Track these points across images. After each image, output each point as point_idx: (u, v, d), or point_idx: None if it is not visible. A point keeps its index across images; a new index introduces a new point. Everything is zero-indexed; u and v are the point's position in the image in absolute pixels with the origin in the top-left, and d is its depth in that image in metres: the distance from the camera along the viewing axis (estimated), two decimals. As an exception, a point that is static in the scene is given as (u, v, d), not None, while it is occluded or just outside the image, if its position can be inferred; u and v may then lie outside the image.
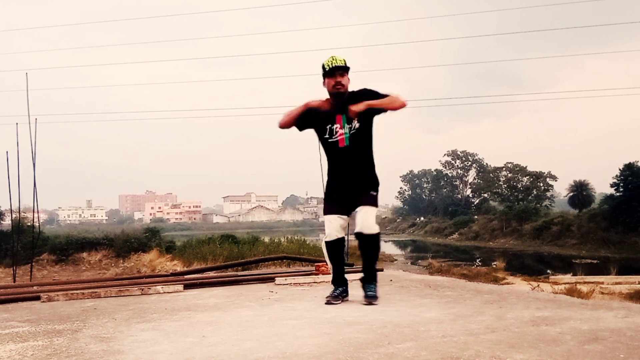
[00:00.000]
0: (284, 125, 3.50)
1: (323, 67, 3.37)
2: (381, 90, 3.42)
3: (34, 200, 7.59)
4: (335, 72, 3.33)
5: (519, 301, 3.32)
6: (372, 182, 3.47)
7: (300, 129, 3.54)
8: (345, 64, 3.35)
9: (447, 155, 64.22)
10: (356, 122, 3.37)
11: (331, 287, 3.55)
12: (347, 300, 3.49)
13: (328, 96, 3.45)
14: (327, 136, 3.43)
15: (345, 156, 3.41)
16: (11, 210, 8.07)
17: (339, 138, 3.40)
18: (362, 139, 3.43)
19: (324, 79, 3.40)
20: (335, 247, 3.48)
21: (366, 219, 3.33)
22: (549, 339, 2.26)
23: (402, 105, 3.40)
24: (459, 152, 63.51)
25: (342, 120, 3.39)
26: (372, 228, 3.33)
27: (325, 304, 3.37)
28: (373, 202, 3.41)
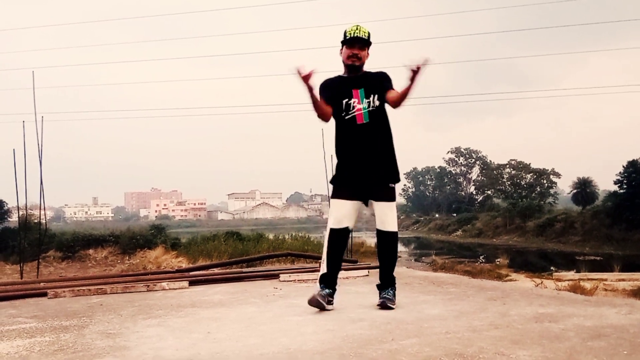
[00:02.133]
0: (324, 117, 3.13)
1: (345, 34, 3.09)
2: (394, 83, 3.16)
3: (40, 198, 7.62)
4: (355, 43, 3.07)
5: (522, 298, 3.33)
6: (393, 168, 3.16)
7: (332, 105, 3.16)
8: (369, 37, 3.08)
9: (451, 153, 64.09)
10: (376, 98, 3.10)
11: (337, 285, 3.19)
12: (332, 308, 3.05)
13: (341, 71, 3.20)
14: (343, 113, 3.11)
15: (364, 134, 3.08)
16: (18, 207, 8.11)
17: (356, 114, 3.09)
18: (382, 117, 3.14)
19: (342, 46, 3.12)
20: (341, 237, 3.13)
21: (387, 215, 3.10)
22: (552, 335, 2.27)
23: (399, 106, 3.12)
24: (462, 150, 63.33)
25: (360, 94, 3.10)
26: (393, 225, 3.12)
27: (309, 303, 3.00)
28: (393, 196, 3.14)
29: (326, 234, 3.18)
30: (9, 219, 25.29)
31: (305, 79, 2.93)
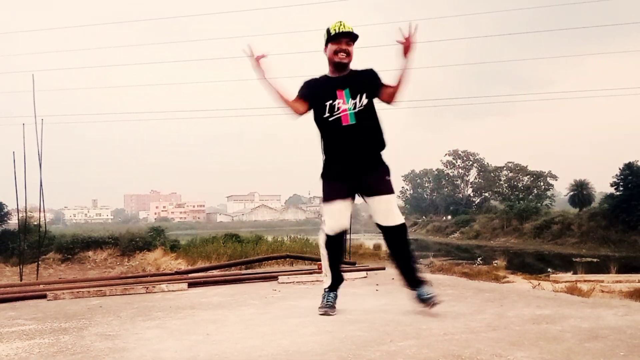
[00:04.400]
0: (298, 110, 3.02)
1: (328, 31, 2.94)
2: (385, 78, 2.99)
3: (40, 200, 7.63)
4: (341, 38, 2.91)
5: (519, 299, 3.34)
6: (383, 166, 3.00)
7: (312, 105, 3.03)
8: (353, 32, 2.93)
9: (449, 155, 64.11)
10: (363, 97, 2.93)
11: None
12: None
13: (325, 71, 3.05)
14: (327, 114, 2.94)
15: (350, 136, 2.91)
16: (18, 209, 8.11)
17: (342, 115, 2.91)
18: (371, 118, 2.97)
19: (326, 45, 2.97)
20: (338, 241, 3.03)
21: (391, 209, 2.95)
22: (550, 337, 2.28)
23: (397, 100, 2.97)
24: (460, 152, 63.36)
25: (345, 95, 2.93)
26: (400, 217, 2.95)
27: (321, 314, 2.95)
28: (391, 188, 2.98)
29: (322, 239, 3.05)
30: (8, 221, 25.24)
31: (256, 59, 2.87)
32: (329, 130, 2.97)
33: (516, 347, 2.11)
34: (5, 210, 25.40)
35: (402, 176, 73.07)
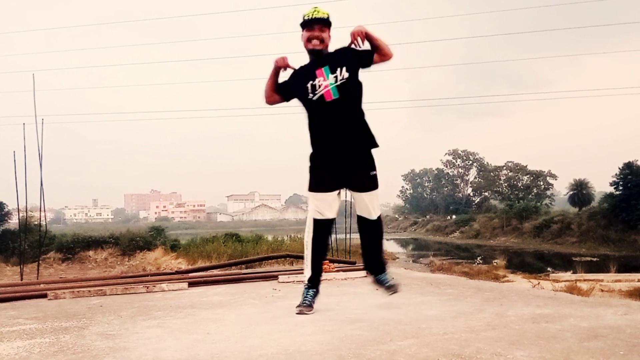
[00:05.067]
0: (270, 99, 3.06)
1: (303, 17, 2.93)
2: (365, 47, 2.94)
3: (40, 200, 7.64)
4: (314, 24, 2.88)
5: (519, 299, 3.34)
6: (370, 141, 2.99)
7: (287, 97, 3.06)
8: (328, 17, 2.91)
9: (448, 155, 64.18)
10: (344, 70, 2.88)
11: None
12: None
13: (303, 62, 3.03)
14: (309, 95, 2.90)
15: (334, 111, 2.87)
16: (18, 209, 8.12)
17: (324, 91, 2.86)
18: (353, 91, 2.93)
19: (302, 30, 2.95)
20: (325, 230, 3.02)
21: (373, 205, 3.02)
22: (549, 336, 2.28)
23: (391, 55, 2.97)
24: (459, 152, 63.40)
25: (325, 72, 2.89)
26: (378, 211, 3.06)
27: (297, 314, 2.94)
28: (375, 184, 3.02)
29: (308, 228, 3.03)
30: (9, 220, 25.25)
31: (277, 64, 2.95)
32: (315, 109, 2.94)
33: (516, 346, 2.11)
34: (6, 209, 25.40)
35: (402, 175, 73.14)
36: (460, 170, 63.79)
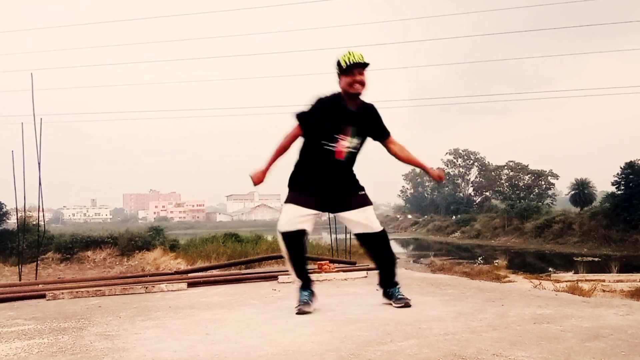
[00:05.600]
0: (297, 136, 3.07)
1: (338, 63, 2.99)
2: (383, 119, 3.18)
3: (39, 199, 7.62)
4: (354, 70, 2.96)
5: (520, 299, 3.33)
6: (356, 186, 3.16)
7: (308, 131, 3.06)
8: (363, 59, 2.98)
9: (449, 154, 64.13)
10: (362, 140, 3.10)
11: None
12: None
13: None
14: (324, 140, 3.02)
15: (336, 168, 3.07)
16: (17, 209, 8.11)
17: (337, 149, 3.02)
18: (355, 155, 3.14)
19: (339, 77, 3.02)
20: (297, 240, 3.03)
21: (371, 217, 3.10)
22: (551, 336, 2.27)
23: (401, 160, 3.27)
24: (460, 151, 63.40)
25: (351, 133, 3.03)
26: (379, 224, 3.12)
27: (297, 313, 2.98)
28: (368, 201, 3.14)
29: (278, 237, 3.08)
30: (7, 220, 25.29)
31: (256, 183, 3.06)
32: (319, 155, 3.04)
33: (517, 347, 2.10)
34: (4, 209, 25.45)
35: (403, 175, 73.12)
36: (461, 169, 63.77)
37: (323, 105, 3.03)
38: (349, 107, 3.03)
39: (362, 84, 2.98)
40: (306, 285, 3.12)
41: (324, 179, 3.06)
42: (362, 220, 3.08)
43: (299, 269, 3.11)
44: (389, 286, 3.17)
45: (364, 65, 2.98)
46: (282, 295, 3.89)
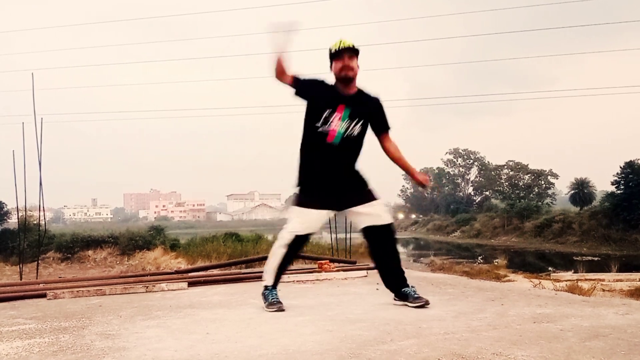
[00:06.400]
0: (280, 76, 2.99)
1: (330, 50, 3.02)
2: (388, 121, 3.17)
3: (40, 199, 7.62)
4: (343, 54, 2.96)
5: (520, 298, 3.34)
6: (361, 182, 3.11)
7: (299, 91, 3.03)
8: (354, 46, 2.99)
9: (449, 154, 64.15)
10: (358, 126, 3.01)
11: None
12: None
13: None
14: (318, 123, 2.97)
15: (334, 156, 3.00)
16: (17, 208, 8.11)
17: (329, 131, 2.96)
18: (352, 146, 3.04)
19: (331, 63, 3.04)
20: (300, 244, 3.09)
21: (380, 210, 3.06)
22: (550, 335, 2.28)
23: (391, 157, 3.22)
24: (460, 151, 63.40)
25: (344, 113, 2.97)
26: (389, 217, 3.10)
27: (275, 311, 3.02)
28: (375, 196, 3.09)
29: (286, 237, 3.05)
30: (8, 220, 25.29)
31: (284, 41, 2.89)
32: (313, 140, 3.02)
33: (517, 346, 2.11)
34: (5, 209, 25.44)
35: (403, 175, 73.12)
36: (461, 169, 63.79)
37: (321, 83, 3.05)
38: (341, 91, 3.03)
39: (351, 69, 2.98)
40: (275, 285, 3.20)
41: (328, 174, 3.02)
42: (371, 212, 3.05)
43: (282, 271, 3.17)
44: (402, 286, 3.12)
45: (354, 50, 2.99)
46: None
